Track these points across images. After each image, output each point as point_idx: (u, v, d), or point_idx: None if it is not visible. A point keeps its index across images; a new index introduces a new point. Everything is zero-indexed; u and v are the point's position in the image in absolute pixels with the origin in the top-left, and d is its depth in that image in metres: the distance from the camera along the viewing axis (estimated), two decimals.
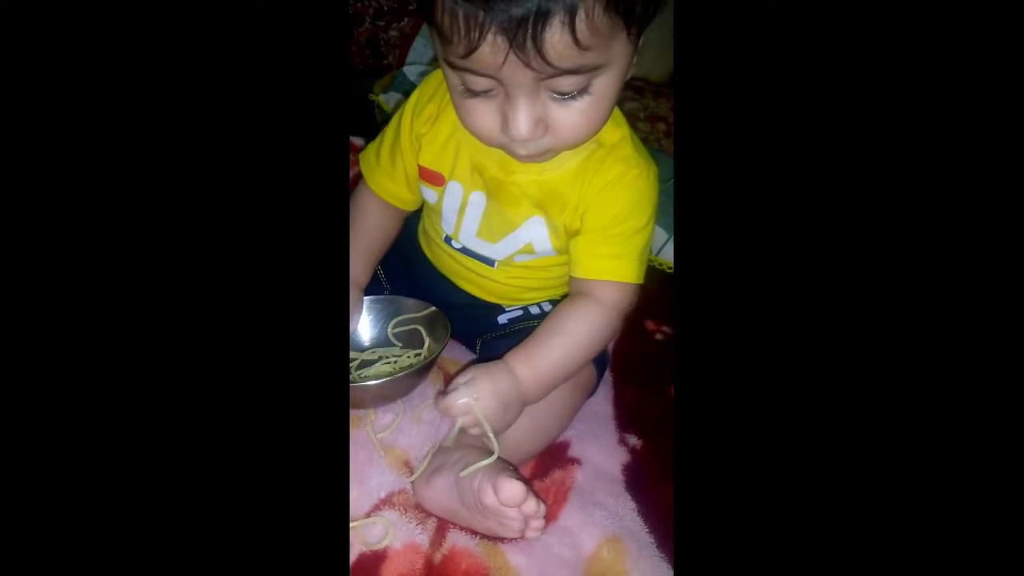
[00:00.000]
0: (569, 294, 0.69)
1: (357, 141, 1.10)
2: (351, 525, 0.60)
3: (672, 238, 0.98)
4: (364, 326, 0.77)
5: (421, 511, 0.63)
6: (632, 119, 1.35)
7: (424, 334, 0.75)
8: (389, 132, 0.72)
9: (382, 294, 0.80)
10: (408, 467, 0.66)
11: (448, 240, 0.74)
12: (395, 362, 0.75)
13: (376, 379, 0.70)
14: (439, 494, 0.62)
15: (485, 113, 0.56)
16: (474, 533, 0.61)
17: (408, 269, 0.82)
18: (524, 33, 0.47)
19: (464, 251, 0.73)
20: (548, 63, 0.49)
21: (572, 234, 0.67)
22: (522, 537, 0.60)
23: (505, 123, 0.55)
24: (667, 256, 0.99)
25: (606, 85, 0.54)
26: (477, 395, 0.60)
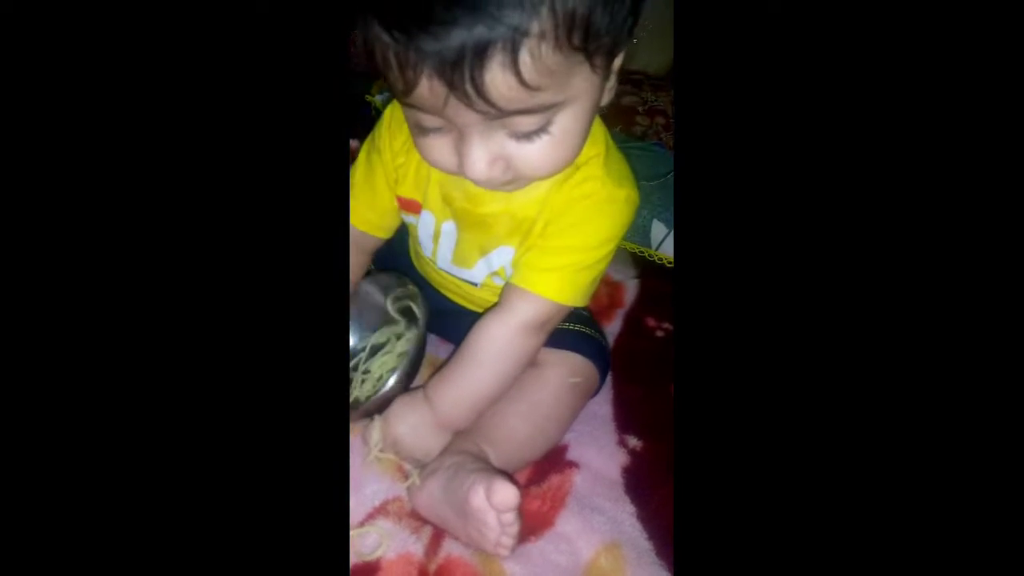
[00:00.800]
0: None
1: (353, 142, 1.09)
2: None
3: (672, 233, 0.97)
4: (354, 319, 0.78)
5: (416, 519, 0.62)
6: (631, 113, 1.33)
7: (415, 309, 0.74)
8: (361, 160, 0.69)
9: None
10: (402, 473, 0.65)
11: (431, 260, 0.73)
12: (392, 351, 0.75)
13: (380, 372, 0.72)
14: (431, 498, 0.61)
15: (440, 149, 0.52)
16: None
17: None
18: (460, 75, 0.42)
19: (447, 271, 0.72)
20: (493, 105, 0.44)
21: None
22: (496, 547, 0.58)
23: (460, 161, 0.51)
24: (667, 251, 0.97)
25: (570, 122, 0.49)
26: (386, 424, 0.64)
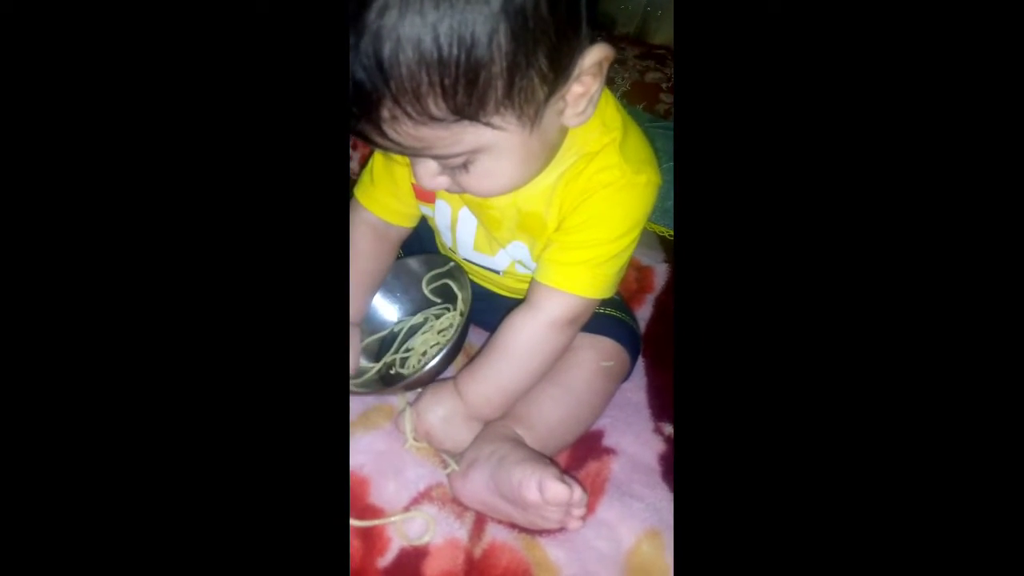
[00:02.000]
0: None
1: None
2: (391, 519, 0.60)
3: None
4: (394, 295, 0.78)
5: (458, 505, 0.63)
6: (654, 90, 1.32)
7: (454, 288, 0.74)
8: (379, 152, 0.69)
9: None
10: (442, 460, 0.66)
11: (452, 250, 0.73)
12: (432, 328, 0.75)
13: (424, 347, 0.73)
14: (476, 488, 0.62)
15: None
16: (512, 526, 0.62)
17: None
18: (354, 121, 0.45)
19: (470, 260, 0.72)
20: (391, 149, 0.47)
21: None
22: (562, 528, 0.60)
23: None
24: None
25: (491, 162, 0.49)
26: (416, 415, 0.65)
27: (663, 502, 0.65)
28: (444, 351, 0.67)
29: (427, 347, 0.75)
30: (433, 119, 0.44)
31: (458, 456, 0.65)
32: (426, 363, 0.68)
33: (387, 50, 0.40)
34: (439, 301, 0.77)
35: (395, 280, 0.78)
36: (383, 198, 0.70)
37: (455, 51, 0.40)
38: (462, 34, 0.40)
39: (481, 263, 0.71)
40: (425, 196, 0.68)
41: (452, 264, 0.74)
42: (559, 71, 0.46)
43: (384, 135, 0.45)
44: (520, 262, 0.68)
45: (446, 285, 0.75)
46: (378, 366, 0.74)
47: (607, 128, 0.58)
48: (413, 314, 0.78)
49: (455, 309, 0.74)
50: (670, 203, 1.06)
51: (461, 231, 0.68)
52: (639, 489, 0.66)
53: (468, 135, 0.46)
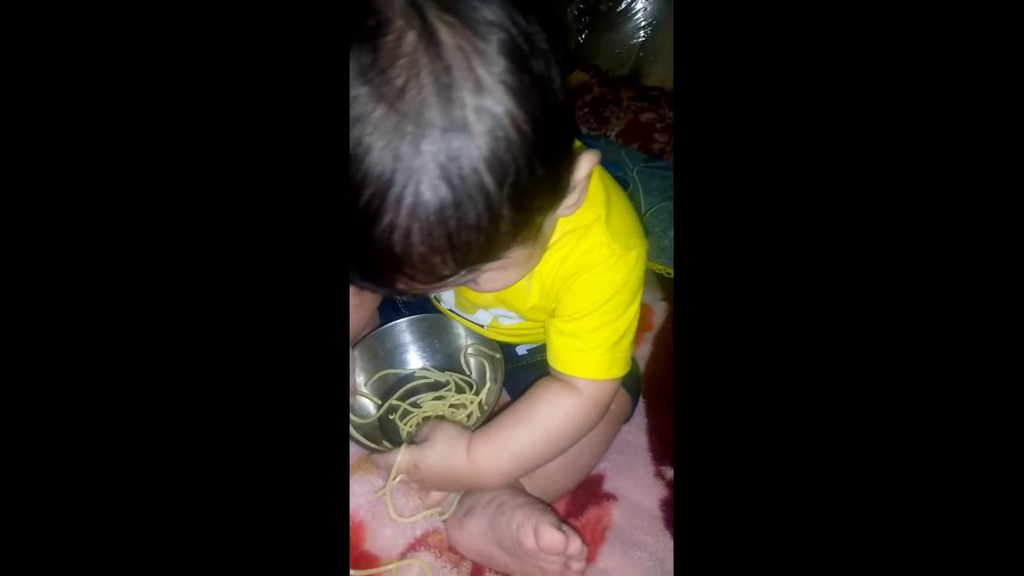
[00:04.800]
0: (550, 374, 0.63)
1: None
2: (387, 568, 0.58)
3: None
4: (429, 344, 0.76)
5: (455, 554, 0.61)
6: (649, 130, 1.33)
7: (487, 372, 0.72)
8: None
9: (401, 316, 0.77)
10: (438, 507, 0.64)
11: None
12: (447, 398, 0.73)
13: (424, 416, 0.70)
14: (473, 536, 0.60)
15: None
16: None
17: (424, 301, 0.79)
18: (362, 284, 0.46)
19: (454, 311, 0.71)
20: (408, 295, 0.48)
21: (548, 312, 0.63)
22: None
23: None
24: None
25: (498, 273, 0.48)
26: (416, 461, 0.60)
27: (665, 551, 0.63)
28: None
29: (433, 414, 0.72)
30: (448, 277, 0.44)
31: (453, 503, 0.63)
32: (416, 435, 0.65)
33: (399, 245, 0.40)
34: (468, 373, 0.75)
35: (436, 331, 0.75)
36: None
37: (465, 235, 0.40)
38: (468, 215, 0.39)
39: (464, 317, 0.71)
40: None
41: (499, 353, 0.71)
42: (560, 198, 0.47)
43: (394, 293, 0.46)
44: (495, 320, 0.67)
45: (481, 364, 0.73)
46: (384, 407, 0.72)
47: (591, 204, 0.57)
48: (441, 371, 0.75)
49: (478, 395, 0.72)
50: (667, 241, 1.06)
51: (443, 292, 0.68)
52: (641, 537, 0.64)
53: (478, 271, 0.46)
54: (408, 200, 0.38)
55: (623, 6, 1.50)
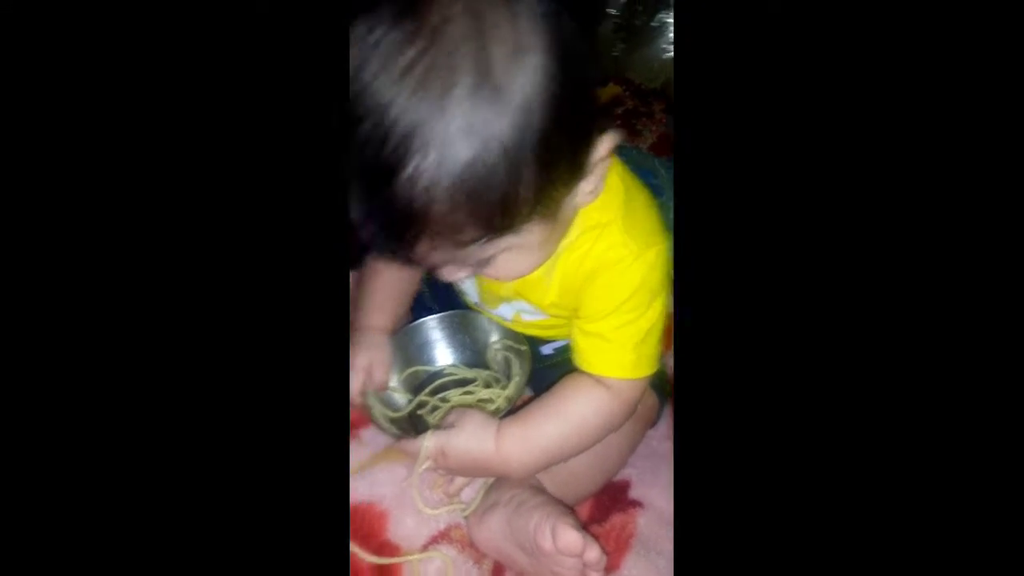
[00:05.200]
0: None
1: None
2: (409, 559, 0.57)
3: None
4: (458, 340, 0.76)
5: (477, 550, 0.60)
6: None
7: (515, 366, 0.71)
8: None
9: (431, 314, 0.78)
10: (461, 502, 0.63)
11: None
12: (475, 393, 0.72)
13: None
14: (493, 534, 0.59)
15: None
16: None
17: (452, 298, 0.79)
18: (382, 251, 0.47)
19: (478, 305, 0.72)
20: (426, 265, 0.49)
21: (571, 312, 0.62)
22: None
23: None
24: None
25: (515, 255, 0.49)
26: (443, 447, 0.59)
27: None
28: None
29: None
30: (468, 243, 0.44)
31: (475, 498, 0.62)
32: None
33: (422, 197, 0.40)
34: (495, 369, 0.75)
35: (465, 328, 0.76)
36: None
37: (486, 193, 0.41)
38: (490, 172, 0.40)
39: (488, 311, 0.71)
40: None
41: (525, 346, 0.71)
42: (579, 175, 0.48)
43: (414, 261, 0.46)
44: (518, 316, 0.67)
45: (508, 359, 0.73)
46: (413, 402, 0.72)
47: (610, 201, 0.57)
48: (469, 367, 0.75)
49: (505, 390, 0.71)
50: None
51: (466, 283, 0.68)
52: (667, 545, 0.63)
53: (496, 245, 0.46)
54: (433, 152, 0.38)
55: (656, 21, 1.51)
